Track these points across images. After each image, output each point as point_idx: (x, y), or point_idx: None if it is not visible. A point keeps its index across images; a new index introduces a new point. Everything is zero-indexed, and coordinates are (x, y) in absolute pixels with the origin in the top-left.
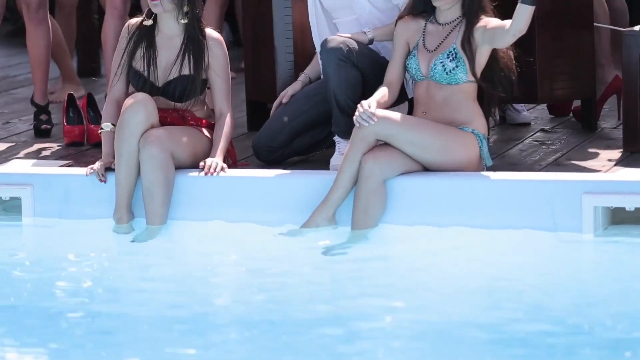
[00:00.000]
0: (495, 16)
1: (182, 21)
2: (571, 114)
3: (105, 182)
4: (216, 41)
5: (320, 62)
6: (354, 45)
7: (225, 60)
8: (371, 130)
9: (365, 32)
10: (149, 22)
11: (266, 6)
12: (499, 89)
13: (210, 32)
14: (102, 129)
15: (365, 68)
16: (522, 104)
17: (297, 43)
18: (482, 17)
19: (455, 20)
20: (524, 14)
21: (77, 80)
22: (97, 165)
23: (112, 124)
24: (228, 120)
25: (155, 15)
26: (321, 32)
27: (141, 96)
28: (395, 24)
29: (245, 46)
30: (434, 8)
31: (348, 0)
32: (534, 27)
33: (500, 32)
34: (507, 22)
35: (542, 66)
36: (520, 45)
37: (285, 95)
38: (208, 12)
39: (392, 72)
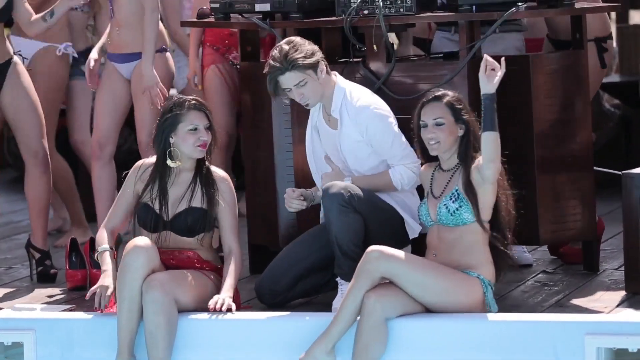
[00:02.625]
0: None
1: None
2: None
3: (101, 311)
4: (224, 179)
5: (322, 205)
6: (356, 190)
7: (233, 197)
8: (377, 268)
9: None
10: (175, 164)
11: (267, 150)
12: (499, 233)
13: (217, 170)
14: (97, 251)
15: (366, 213)
16: (524, 246)
17: (299, 187)
18: (476, 157)
19: (455, 166)
20: (488, 142)
21: (85, 224)
22: (98, 288)
23: (110, 247)
24: (237, 256)
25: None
26: (318, 165)
27: (143, 240)
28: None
29: (248, 190)
30: (430, 157)
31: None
32: (534, 170)
33: (480, 166)
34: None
35: (543, 208)
36: (521, 187)
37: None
38: (214, 157)
39: None
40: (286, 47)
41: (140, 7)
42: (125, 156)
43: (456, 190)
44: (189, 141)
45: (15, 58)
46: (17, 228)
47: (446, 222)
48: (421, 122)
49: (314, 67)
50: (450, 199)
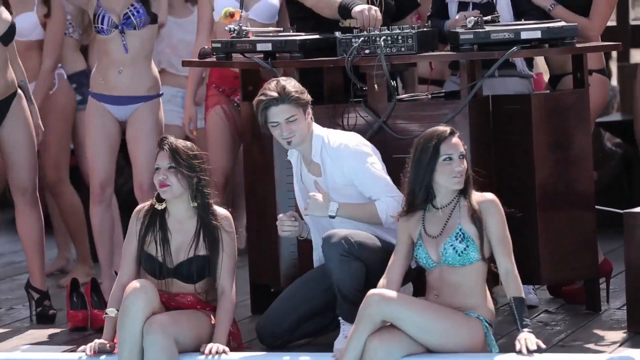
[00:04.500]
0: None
1: (192, 205)
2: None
3: (90, 355)
4: (225, 219)
5: (313, 250)
6: (356, 237)
7: (233, 238)
8: (378, 312)
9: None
10: (161, 206)
11: (269, 189)
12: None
13: (219, 210)
14: (106, 313)
15: (368, 257)
16: (530, 286)
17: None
18: (471, 188)
19: (452, 201)
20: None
21: (90, 263)
22: (92, 343)
23: (117, 310)
24: (230, 299)
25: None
26: (312, 219)
27: (142, 282)
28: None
29: (249, 228)
30: (429, 197)
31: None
32: (535, 208)
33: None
34: (506, 258)
35: (544, 247)
36: (522, 226)
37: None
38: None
39: (395, 269)
40: (283, 82)
41: (150, 45)
42: (127, 196)
43: (460, 230)
44: (155, 180)
45: (20, 92)
46: (18, 268)
47: (453, 262)
48: (445, 156)
49: (305, 106)
50: (457, 239)
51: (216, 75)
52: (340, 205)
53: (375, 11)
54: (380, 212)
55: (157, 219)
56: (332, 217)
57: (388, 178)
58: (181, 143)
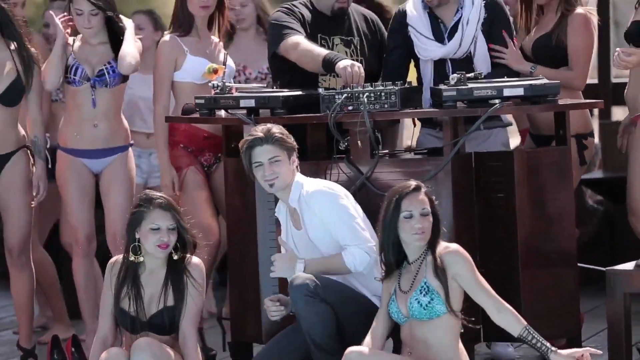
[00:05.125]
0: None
1: (174, 257)
2: None
3: None
4: (196, 267)
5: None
6: (321, 280)
7: (203, 285)
8: None
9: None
10: (139, 259)
11: (251, 246)
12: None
13: (193, 259)
14: None
15: (335, 302)
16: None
17: (283, 286)
18: (440, 241)
19: (421, 255)
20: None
21: (67, 321)
22: None
23: None
24: (193, 347)
25: (141, 252)
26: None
27: (114, 351)
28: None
29: (231, 285)
30: (400, 254)
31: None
32: (517, 266)
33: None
34: (490, 298)
35: (527, 304)
36: (504, 282)
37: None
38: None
39: (378, 327)
40: (270, 125)
41: (120, 100)
42: (107, 251)
43: (425, 283)
44: (150, 240)
45: (24, 149)
46: (0, 325)
47: (419, 316)
48: (405, 212)
49: (290, 150)
50: (421, 292)
51: (184, 134)
52: (307, 263)
53: (359, 67)
54: (347, 263)
55: (131, 274)
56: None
57: (362, 224)
58: (172, 200)
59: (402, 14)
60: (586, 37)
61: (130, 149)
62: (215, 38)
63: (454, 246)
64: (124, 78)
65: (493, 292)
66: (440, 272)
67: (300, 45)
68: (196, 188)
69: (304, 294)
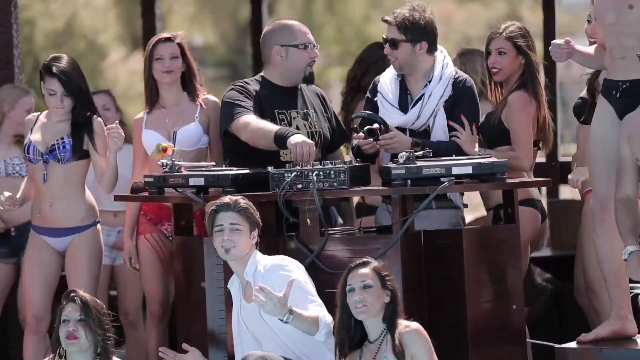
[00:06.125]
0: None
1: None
2: None
3: None
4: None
5: None
6: (272, 357)
7: None
8: None
9: None
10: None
11: (201, 324)
12: None
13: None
14: None
15: None
16: None
17: None
18: (399, 320)
19: (381, 334)
20: None
21: None
22: None
23: None
24: None
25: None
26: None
27: None
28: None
29: None
30: (356, 331)
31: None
32: (467, 344)
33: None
34: None
35: None
36: None
37: None
38: (148, 329)
39: None
40: (240, 198)
41: (78, 177)
42: None
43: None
44: (62, 333)
45: None
46: None
47: None
48: (348, 287)
49: (253, 224)
50: None
51: (144, 203)
52: (294, 315)
53: (310, 146)
54: (320, 324)
55: None
56: (285, 322)
57: (318, 300)
58: (90, 298)
59: (376, 82)
60: (525, 117)
61: (97, 227)
62: (193, 104)
63: (414, 325)
64: (81, 155)
65: None
66: (398, 351)
67: (251, 124)
68: (143, 258)
69: None
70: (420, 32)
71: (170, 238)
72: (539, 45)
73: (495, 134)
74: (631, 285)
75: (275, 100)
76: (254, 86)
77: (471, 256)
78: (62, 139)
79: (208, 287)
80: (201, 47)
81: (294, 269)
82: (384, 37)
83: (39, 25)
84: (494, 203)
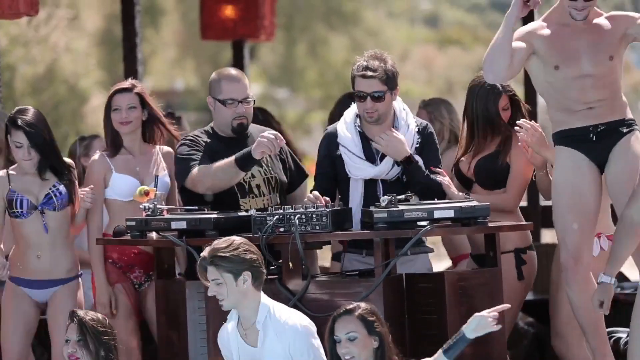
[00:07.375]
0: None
1: None
2: None
3: None
4: None
5: None
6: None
7: None
8: None
9: None
10: None
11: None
12: None
13: None
14: None
15: None
16: None
17: None
18: None
19: None
20: None
21: None
22: None
23: None
24: None
25: None
26: None
27: None
28: None
29: None
30: None
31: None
32: None
33: None
34: None
35: None
36: None
37: None
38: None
39: None
40: (224, 244)
41: (67, 224)
42: None
43: None
44: (64, 352)
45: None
46: None
47: None
48: (335, 337)
49: (234, 273)
50: None
51: (114, 250)
52: None
53: (270, 131)
54: None
55: None
56: None
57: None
58: (90, 316)
59: (333, 135)
60: (525, 157)
61: (79, 280)
62: (159, 153)
63: None
64: (70, 201)
65: None
66: None
67: (207, 169)
68: (115, 308)
69: None
70: (394, 80)
71: (137, 286)
72: (519, 89)
73: (500, 177)
74: (609, 330)
75: (225, 150)
76: (203, 138)
77: (453, 300)
78: (54, 186)
79: (190, 333)
80: (182, 91)
81: (312, 329)
82: (362, 91)
83: (20, 70)
84: (513, 246)
